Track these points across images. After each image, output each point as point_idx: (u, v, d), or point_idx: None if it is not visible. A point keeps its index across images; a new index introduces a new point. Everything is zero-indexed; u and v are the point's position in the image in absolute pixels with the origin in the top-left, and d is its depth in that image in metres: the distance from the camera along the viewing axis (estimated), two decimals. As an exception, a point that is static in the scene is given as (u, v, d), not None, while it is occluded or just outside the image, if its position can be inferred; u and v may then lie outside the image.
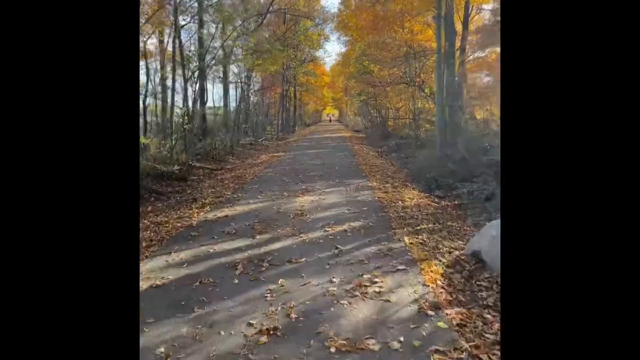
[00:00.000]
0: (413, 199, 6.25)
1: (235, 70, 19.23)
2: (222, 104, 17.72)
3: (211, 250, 3.68)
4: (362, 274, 3.11)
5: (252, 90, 22.25)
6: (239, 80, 19.89)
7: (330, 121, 53.46)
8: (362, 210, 5.22)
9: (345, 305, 2.62)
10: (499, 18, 14.62)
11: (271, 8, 17.83)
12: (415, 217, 5.01)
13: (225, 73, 17.04)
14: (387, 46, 15.70)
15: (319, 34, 25.64)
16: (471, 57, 17.29)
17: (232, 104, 19.89)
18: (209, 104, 14.93)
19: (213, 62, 11.73)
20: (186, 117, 11.24)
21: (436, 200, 6.45)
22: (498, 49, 16.95)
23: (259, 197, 6.13)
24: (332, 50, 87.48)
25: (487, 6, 15.58)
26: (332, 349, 2.14)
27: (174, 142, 9.58)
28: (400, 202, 5.80)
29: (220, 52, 12.70)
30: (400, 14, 14.98)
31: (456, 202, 6.39)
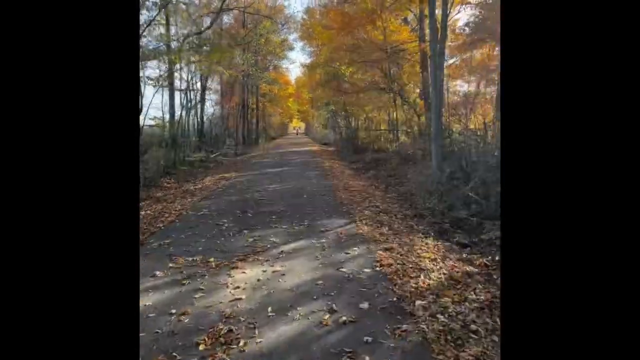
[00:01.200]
0: (435, 258, 3.65)
1: (191, 73, 16.35)
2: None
3: None
4: None
5: (208, 99, 19.42)
6: (190, 87, 16.95)
7: (297, 134, 51.29)
8: (362, 311, 2.51)
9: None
10: (482, 15, 12.78)
11: (228, 7, 15.27)
12: (470, 323, 2.39)
13: (170, 76, 13.90)
14: (359, 47, 13.46)
15: (283, 40, 23.44)
16: (452, 61, 15.51)
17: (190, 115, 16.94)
18: (156, 114, 11.92)
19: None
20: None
21: (466, 256, 3.89)
22: (479, 53, 15.21)
23: (159, 272, 3.25)
24: (296, 58, 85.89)
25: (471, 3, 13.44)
26: None
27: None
28: (421, 276, 3.16)
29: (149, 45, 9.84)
30: (372, 12, 12.85)
31: (499, 259, 3.85)
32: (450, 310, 2.55)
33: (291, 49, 27.71)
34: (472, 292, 2.90)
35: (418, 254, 3.76)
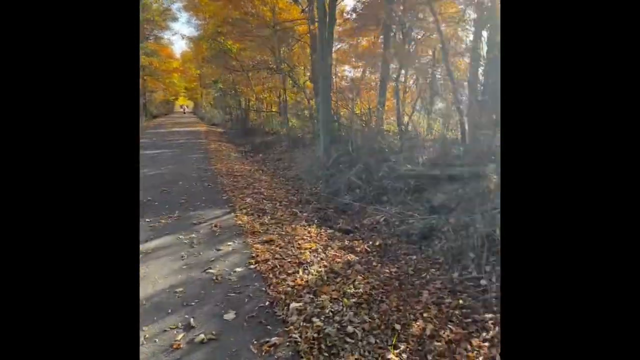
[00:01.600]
0: (316, 249, 3.45)
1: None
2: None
3: None
4: None
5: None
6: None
7: (184, 113, 47.57)
8: (226, 324, 2.11)
9: None
10: (368, 2, 13.13)
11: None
12: (346, 324, 2.20)
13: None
14: (246, 22, 12.72)
15: (165, 9, 21.10)
16: (340, 45, 15.72)
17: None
18: None
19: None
20: None
21: (348, 243, 3.79)
22: (365, 40, 15.73)
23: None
24: (181, 30, 79.27)
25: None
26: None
27: None
28: (300, 272, 2.89)
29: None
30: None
31: (379, 244, 3.85)
32: (327, 310, 2.33)
33: (175, 19, 25.23)
34: (352, 285, 2.74)
35: (299, 244, 3.50)
